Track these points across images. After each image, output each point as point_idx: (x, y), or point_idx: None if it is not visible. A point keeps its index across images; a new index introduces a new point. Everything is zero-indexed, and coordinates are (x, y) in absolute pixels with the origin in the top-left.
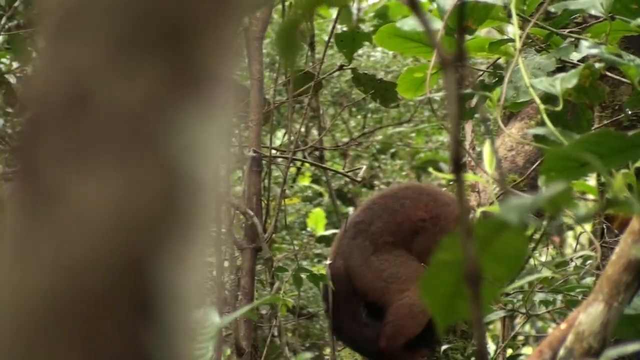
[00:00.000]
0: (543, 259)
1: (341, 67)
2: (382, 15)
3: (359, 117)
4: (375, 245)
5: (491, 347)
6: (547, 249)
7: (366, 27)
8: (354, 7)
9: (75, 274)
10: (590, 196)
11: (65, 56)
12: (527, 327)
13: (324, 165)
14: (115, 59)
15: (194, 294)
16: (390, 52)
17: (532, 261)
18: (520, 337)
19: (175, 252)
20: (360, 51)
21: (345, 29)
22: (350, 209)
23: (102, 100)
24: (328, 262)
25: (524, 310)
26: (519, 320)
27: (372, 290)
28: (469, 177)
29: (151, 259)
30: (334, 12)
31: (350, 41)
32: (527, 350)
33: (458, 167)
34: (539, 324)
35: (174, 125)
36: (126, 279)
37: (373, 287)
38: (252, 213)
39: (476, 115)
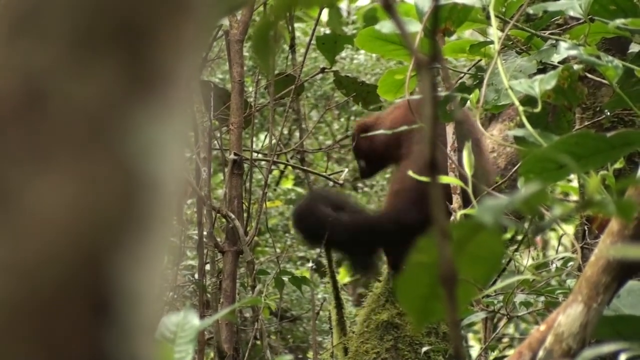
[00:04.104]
0: (526, 260)
1: (323, 70)
2: (372, 18)
3: (342, 119)
4: None
5: (476, 349)
6: (529, 250)
7: (349, 30)
8: (343, 10)
9: (30, 273)
10: (574, 197)
11: (19, 55)
12: (511, 330)
13: (305, 168)
14: (69, 58)
15: (152, 292)
16: (374, 55)
17: (513, 263)
18: (505, 340)
19: (133, 252)
20: (343, 54)
21: (328, 31)
22: None
23: (57, 100)
24: None
25: (504, 312)
26: (502, 322)
27: None
28: (445, 179)
29: (108, 258)
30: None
31: (332, 44)
32: (511, 352)
33: (434, 169)
34: (522, 326)
35: (130, 125)
36: (83, 278)
37: None
38: (233, 216)
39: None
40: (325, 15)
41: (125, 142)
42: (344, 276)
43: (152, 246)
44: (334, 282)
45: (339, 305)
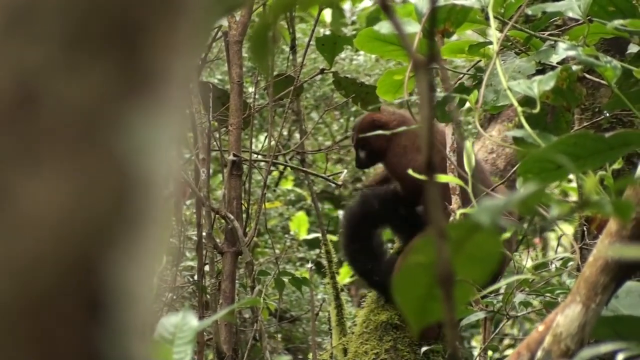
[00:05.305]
0: (525, 261)
1: (322, 71)
2: (374, 19)
3: (342, 120)
4: None
5: (478, 349)
6: (529, 251)
7: (349, 31)
8: (346, 11)
9: (22, 273)
10: (574, 197)
11: (11, 55)
12: (515, 330)
13: (304, 169)
14: (62, 57)
15: (147, 292)
16: (373, 56)
17: (513, 263)
18: (507, 341)
19: (126, 251)
20: (342, 54)
21: (327, 32)
22: (340, 212)
23: (49, 100)
24: None
25: (503, 312)
26: (503, 322)
27: None
28: (443, 178)
29: (101, 259)
30: (324, 15)
31: (331, 45)
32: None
33: (431, 169)
34: (527, 326)
35: (123, 124)
36: (75, 279)
37: None
38: (232, 217)
39: (460, 118)
40: (328, 16)
41: (118, 141)
42: (344, 277)
43: (145, 246)
44: (334, 283)
45: (339, 306)
